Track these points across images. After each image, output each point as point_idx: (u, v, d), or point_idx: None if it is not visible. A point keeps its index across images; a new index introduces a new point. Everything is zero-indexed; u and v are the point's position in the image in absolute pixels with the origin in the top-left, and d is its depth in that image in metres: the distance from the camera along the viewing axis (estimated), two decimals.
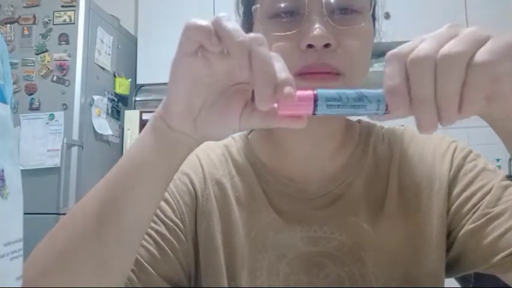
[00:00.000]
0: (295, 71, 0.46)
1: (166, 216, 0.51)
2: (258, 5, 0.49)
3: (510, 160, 2.31)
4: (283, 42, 0.47)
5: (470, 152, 0.54)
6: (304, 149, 0.55)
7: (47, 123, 2.04)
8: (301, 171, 0.55)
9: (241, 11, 0.57)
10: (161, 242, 0.49)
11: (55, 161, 1.98)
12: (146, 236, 0.49)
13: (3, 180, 0.24)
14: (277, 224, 0.53)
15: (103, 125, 2.25)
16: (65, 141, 1.98)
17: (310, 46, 0.45)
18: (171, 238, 0.50)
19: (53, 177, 1.97)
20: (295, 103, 0.33)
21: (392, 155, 0.55)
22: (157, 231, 0.50)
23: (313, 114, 0.33)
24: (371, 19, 0.51)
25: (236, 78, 0.37)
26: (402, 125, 0.60)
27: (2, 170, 0.25)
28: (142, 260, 0.48)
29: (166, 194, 0.52)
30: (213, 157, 0.57)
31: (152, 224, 0.50)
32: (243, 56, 0.32)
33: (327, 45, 0.45)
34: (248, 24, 0.54)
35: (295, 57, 0.46)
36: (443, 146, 0.55)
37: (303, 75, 0.46)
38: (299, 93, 0.33)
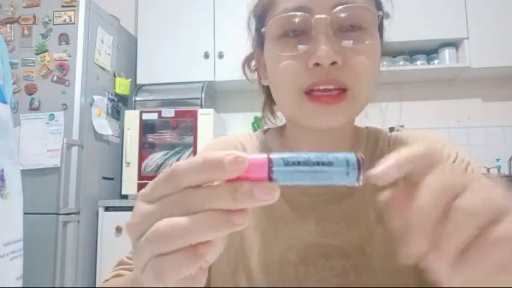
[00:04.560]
0: (304, 88, 0.49)
1: None
2: (268, 27, 0.52)
3: (510, 160, 2.32)
4: (292, 61, 0.50)
5: (468, 165, 0.57)
6: None
7: (47, 123, 2.04)
8: None
9: (252, 27, 0.60)
10: None
11: (55, 161, 1.98)
12: None
13: (3, 180, 0.24)
14: (288, 216, 0.55)
15: (103, 125, 2.25)
16: (65, 141, 1.98)
17: (317, 65, 0.48)
18: None
19: (53, 177, 1.97)
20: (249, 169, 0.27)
21: None
22: None
23: (270, 179, 0.27)
24: (378, 33, 0.53)
25: None
26: (399, 129, 0.62)
27: (2, 170, 0.25)
28: None
29: None
30: None
31: None
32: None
33: (334, 63, 0.47)
34: (259, 41, 0.58)
35: (304, 74, 0.49)
36: (444, 155, 0.57)
37: (311, 94, 0.49)
38: (251, 157, 0.27)
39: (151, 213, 0.27)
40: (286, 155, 0.27)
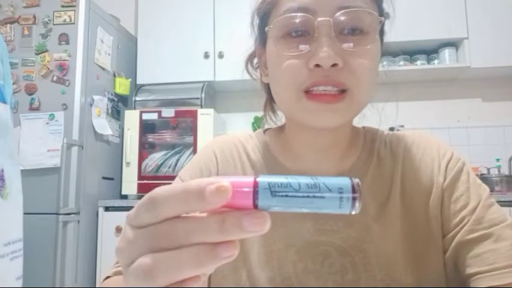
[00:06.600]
0: (304, 87, 0.50)
1: None
2: (271, 26, 0.53)
3: (510, 160, 2.32)
4: (294, 61, 0.50)
5: (464, 165, 0.58)
6: (313, 153, 0.59)
7: (47, 123, 2.03)
8: (312, 169, 0.59)
9: (256, 25, 0.60)
10: None
11: (55, 161, 1.98)
12: None
13: (3, 180, 0.24)
14: (287, 214, 0.56)
15: (103, 125, 2.25)
16: (65, 141, 1.98)
17: (318, 66, 0.48)
18: None
19: (53, 177, 1.97)
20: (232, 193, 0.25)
21: (395, 159, 0.59)
22: None
23: (255, 206, 0.25)
24: (379, 37, 0.54)
25: None
26: (399, 129, 0.62)
27: (2, 170, 0.25)
28: None
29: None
30: (227, 153, 0.62)
31: None
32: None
33: (334, 65, 0.48)
34: (262, 39, 0.59)
35: (304, 74, 0.50)
36: (440, 154, 0.58)
37: (310, 94, 0.50)
38: (236, 181, 0.25)
39: (136, 241, 0.26)
40: (274, 180, 0.25)
